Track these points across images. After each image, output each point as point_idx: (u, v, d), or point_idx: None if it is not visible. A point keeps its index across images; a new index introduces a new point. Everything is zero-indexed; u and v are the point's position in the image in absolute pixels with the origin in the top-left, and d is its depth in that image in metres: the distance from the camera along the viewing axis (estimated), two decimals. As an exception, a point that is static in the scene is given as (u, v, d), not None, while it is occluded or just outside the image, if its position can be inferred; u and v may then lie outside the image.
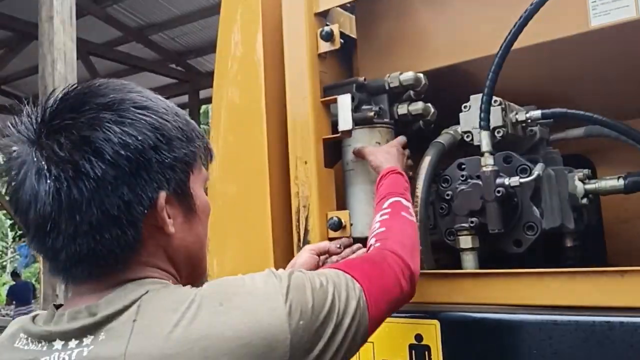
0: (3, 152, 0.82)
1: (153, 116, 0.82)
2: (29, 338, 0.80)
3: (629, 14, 1.35)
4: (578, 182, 1.50)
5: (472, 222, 1.40)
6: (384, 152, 1.47)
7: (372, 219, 1.42)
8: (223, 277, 0.84)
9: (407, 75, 1.55)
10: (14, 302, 10.90)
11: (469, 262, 1.42)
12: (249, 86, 1.64)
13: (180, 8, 8.63)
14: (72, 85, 0.84)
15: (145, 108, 0.82)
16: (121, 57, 9.65)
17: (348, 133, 1.50)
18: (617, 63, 1.56)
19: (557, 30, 1.48)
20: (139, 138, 0.79)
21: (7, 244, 22.28)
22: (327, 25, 1.60)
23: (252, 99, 1.62)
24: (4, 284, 18.18)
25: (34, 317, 0.84)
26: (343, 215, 1.48)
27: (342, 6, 1.71)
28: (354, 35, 1.78)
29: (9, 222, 19.56)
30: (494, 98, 1.42)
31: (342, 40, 1.55)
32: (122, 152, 0.77)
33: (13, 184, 0.80)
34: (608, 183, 1.49)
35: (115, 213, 0.77)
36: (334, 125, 1.53)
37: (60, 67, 4.49)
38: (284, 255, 1.52)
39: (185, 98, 11.08)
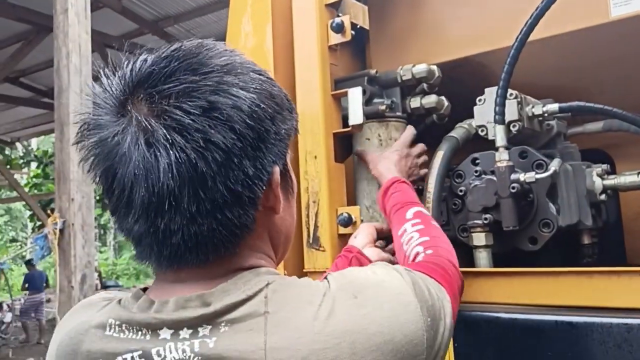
0: (82, 121, 0.73)
1: (269, 82, 0.76)
2: (124, 325, 0.72)
3: (652, 3, 1.30)
4: (596, 178, 1.45)
5: (485, 218, 1.36)
6: (383, 159, 1.45)
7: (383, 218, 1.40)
8: (342, 270, 0.82)
9: (420, 68, 1.51)
10: (27, 289, 11.07)
11: (483, 259, 1.38)
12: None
13: (195, 0, 8.62)
14: (171, 45, 0.74)
15: (261, 73, 0.76)
16: (137, 49, 9.66)
17: (359, 127, 1.47)
18: (637, 55, 1.50)
19: (575, 21, 1.43)
20: (262, 107, 0.72)
21: (27, 234, 22.61)
22: (338, 16, 1.57)
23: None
24: (25, 273, 18.48)
25: (119, 301, 0.76)
26: (353, 211, 1.45)
27: (356, -4, 1.67)
28: (366, 27, 1.74)
29: (28, 212, 19.82)
30: (510, 91, 1.38)
31: (353, 32, 1.52)
32: (249, 122, 0.69)
33: (107, 157, 0.70)
34: (627, 179, 1.44)
35: (239, 189, 0.69)
36: (345, 119, 1.50)
37: (75, 59, 4.50)
38: (293, 251, 1.49)
39: (200, 90, 11.08)
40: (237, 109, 0.69)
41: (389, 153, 1.47)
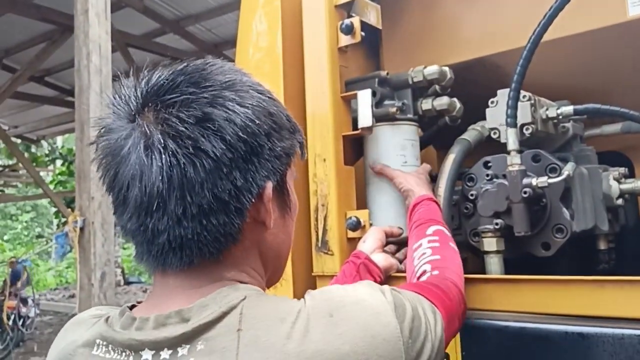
0: (99, 125, 0.78)
1: (269, 101, 0.79)
2: (110, 346, 0.74)
3: (671, 2, 1.26)
4: (613, 182, 1.41)
5: (497, 223, 1.33)
6: (415, 177, 1.44)
7: (398, 224, 1.39)
8: (322, 287, 0.82)
9: (432, 69, 1.49)
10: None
11: (494, 265, 1.35)
12: (268, 79, 1.60)
13: (216, -1, 8.66)
14: (183, 61, 0.79)
15: (262, 93, 0.80)
16: (159, 48, 9.75)
17: (368, 130, 1.45)
18: (658, 55, 1.46)
19: (592, 20, 1.39)
20: (257, 122, 0.75)
21: (53, 230, 22.99)
22: (350, 16, 1.55)
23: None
24: (49, 269, 18.79)
25: (107, 319, 0.78)
26: (362, 215, 1.44)
27: (367, -4, 1.65)
28: (379, 27, 1.72)
29: (53, 209, 20.16)
30: (523, 93, 1.35)
31: (363, 33, 1.50)
32: (242, 135, 0.73)
33: (112, 157, 0.75)
34: (646, 183, 1.40)
35: (225, 198, 0.72)
36: (355, 121, 1.49)
37: (95, 59, 4.54)
38: (301, 255, 1.48)
39: (221, 89, 11.14)
40: (230, 122, 0.73)
41: (418, 174, 1.46)
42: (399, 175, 1.45)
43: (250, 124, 0.74)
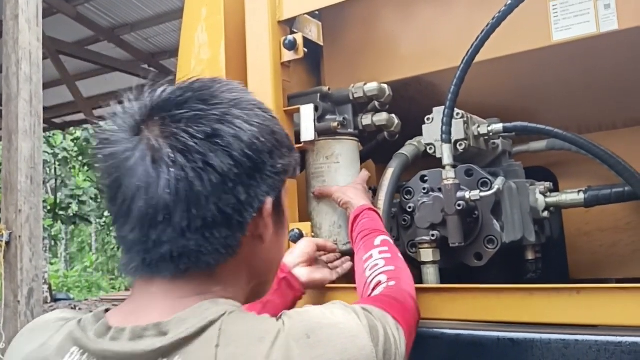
0: (100, 137, 0.78)
1: (272, 120, 0.82)
2: (86, 354, 0.73)
3: (590, 29, 1.37)
4: (539, 195, 1.50)
5: (433, 235, 1.39)
6: (352, 188, 1.47)
7: (346, 238, 1.42)
8: (297, 309, 0.82)
9: (371, 86, 1.54)
10: None
11: (431, 275, 1.40)
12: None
13: (153, 9, 8.51)
14: (190, 78, 0.82)
15: (265, 111, 0.82)
16: (92, 56, 9.47)
17: (311, 144, 1.48)
18: (578, 77, 1.57)
19: (520, 44, 1.48)
20: (262, 140, 0.78)
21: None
22: (292, 32, 1.58)
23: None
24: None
25: (79, 322, 0.77)
26: (304, 227, 1.46)
27: (310, 13, 1.69)
28: (321, 43, 1.76)
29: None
30: (456, 111, 1.41)
31: (305, 49, 1.53)
32: (247, 151, 0.75)
33: (117, 169, 0.75)
34: (569, 197, 1.50)
35: (229, 212, 0.74)
36: (298, 135, 1.51)
37: (25, 67, 4.35)
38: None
39: (158, 99, 10.92)
40: (238, 139, 0.75)
41: (355, 184, 1.50)
42: (336, 190, 1.49)
43: (255, 141, 0.76)
